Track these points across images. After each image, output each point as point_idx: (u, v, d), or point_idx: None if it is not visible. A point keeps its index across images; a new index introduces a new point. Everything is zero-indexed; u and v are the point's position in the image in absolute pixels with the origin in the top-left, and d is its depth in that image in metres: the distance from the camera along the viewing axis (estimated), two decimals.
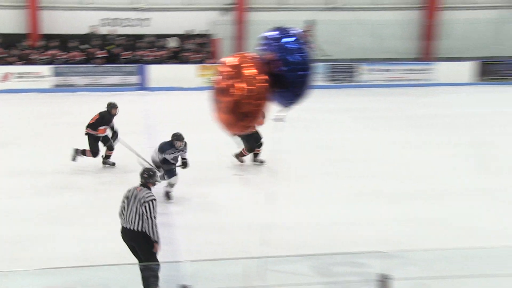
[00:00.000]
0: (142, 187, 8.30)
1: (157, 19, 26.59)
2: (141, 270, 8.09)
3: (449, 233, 11.03)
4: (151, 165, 11.96)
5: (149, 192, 8.18)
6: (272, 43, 7.59)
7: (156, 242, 8.13)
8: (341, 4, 27.56)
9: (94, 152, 14.10)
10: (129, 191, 8.28)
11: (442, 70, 26.78)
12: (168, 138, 11.94)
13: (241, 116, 7.41)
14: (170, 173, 12.06)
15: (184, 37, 26.65)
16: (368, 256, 10.00)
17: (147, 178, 8.33)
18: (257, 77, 7.36)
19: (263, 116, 8.09)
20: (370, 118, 20.36)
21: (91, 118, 14.19)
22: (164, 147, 11.90)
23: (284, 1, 27.37)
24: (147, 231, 8.02)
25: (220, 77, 7.61)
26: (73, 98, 24.02)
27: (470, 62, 27.08)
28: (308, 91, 7.71)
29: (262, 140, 14.09)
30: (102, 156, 14.46)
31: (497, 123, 19.94)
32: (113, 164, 14.53)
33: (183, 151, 12.10)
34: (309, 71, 7.54)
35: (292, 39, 7.55)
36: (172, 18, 26.56)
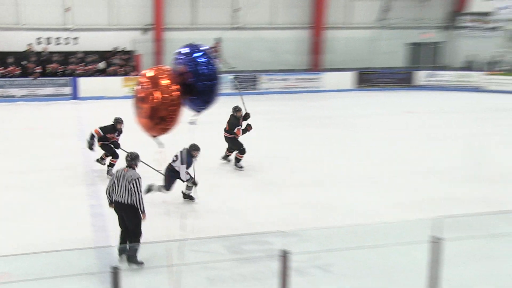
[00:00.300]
0: (128, 168, 8.72)
1: (85, 38, 25.98)
2: (129, 237, 8.63)
3: (335, 214, 11.13)
4: (159, 171, 11.39)
5: (134, 172, 8.64)
6: (184, 58, 7.52)
7: (143, 212, 8.51)
8: (243, 24, 27.54)
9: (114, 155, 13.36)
10: (117, 172, 8.75)
11: (328, 79, 27.19)
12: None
13: (158, 120, 7.35)
14: (188, 176, 11.34)
15: (110, 54, 26.12)
16: (271, 235, 9.97)
17: (130, 161, 8.78)
18: (171, 87, 7.32)
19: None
20: (270, 119, 20.39)
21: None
22: (183, 157, 11.16)
23: (196, 22, 27.18)
24: (135, 203, 8.42)
25: (140, 87, 7.49)
26: (11, 107, 23.22)
27: (350, 72, 27.60)
28: (216, 98, 7.68)
29: (244, 147, 14.04)
30: (107, 164, 13.55)
31: (372, 121, 20.33)
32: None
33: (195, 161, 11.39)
34: (216, 81, 7.53)
35: (201, 54, 7.50)
36: (99, 37, 26.04)
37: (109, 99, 23.99)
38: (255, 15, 27.60)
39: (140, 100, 7.48)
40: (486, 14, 28.83)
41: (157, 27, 26.43)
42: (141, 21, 26.64)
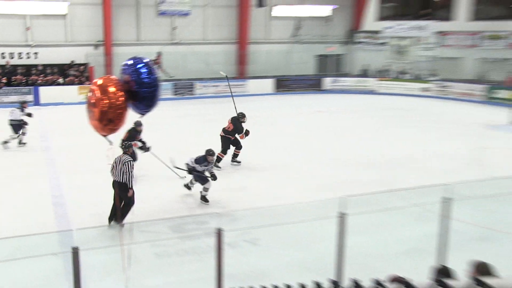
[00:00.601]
0: (123, 154, 9.46)
1: (45, 53, 25.06)
2: (122, 206, 9.15)
3: (260, 197, 11.17)
4: (180, 168, 11.11)
5: (127, 156, 9.36)
6: (129, 69, 7.42)
7: (131, 188, 9.16)
8: (180, 40, 27.25)
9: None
10: (117, 157, 9.32)
11: (252, 85, 27.24)
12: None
13: (107, 122, 7.25)
14: (203, 179, 10.68)
15: (67, 66, 25.35)
16: (208, 216, 9.93)
17: (124, 148, 9.72)
18: (118, 93, 7.23)
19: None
20: (205, 120, 20.31)
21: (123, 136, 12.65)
22: (199, 160, 10.65)
23: (140, 38, 26.70)
24: (126, 181, 9.08)
25: (92, 93, 7.36)
26: None
27: (270, 79, 27.74)
28: (156, 103, 7.62)
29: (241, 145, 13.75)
30: None
31: (289, 119, 20.50)
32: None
33: (212, 165, 10.84)
34: (156, 88, 7.48)
35: (143, 65, 7.43)
36: (57, 52, 25.19)
37: (66, 104, 23.31)
38: (190, 33, 27.39)
39: (92, 105, 7.37)
40: (376, 32, 29.56)
41: (106, 43, 25.82)
42: (93, 38, 25.95)
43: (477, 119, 20.90)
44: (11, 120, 15.30)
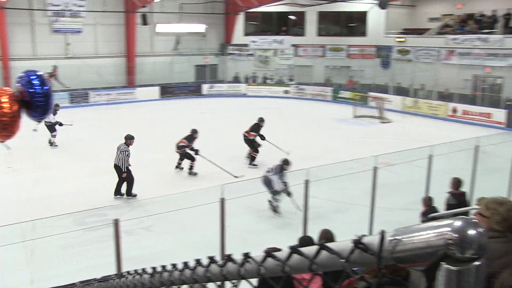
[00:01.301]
0: (123, 144, 10.33)
1: None
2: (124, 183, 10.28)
3: (147, 188, 10.86)
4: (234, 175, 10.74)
5: (125, 146, 10.30)
6: (22, 80, 6.81)
7: (124, 171, 10.23)
8: (73, 54, 25.69)
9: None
10: (119, 145, 10.34)
11: (140, 92, 26.46)
12: None
13: (1, 129, 6.62)
14: (275, 192, 9.57)
15: None
16: (107, 209, 9.53)
17: (127, 140, 10.43)
18: (11, 103, 6.64)
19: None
20: (98, 124, 19.44)
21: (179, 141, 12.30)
22: (277, 169, 9.60)
23: (36, 53, 24.75)
24: (121, 166, 10.20)
25: None
26: None
27: (156, 87, 27.10)
28: (49, 111, 7.09)
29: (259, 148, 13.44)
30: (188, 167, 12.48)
31: (174, 120, 20.21)
32: (196, 173, 12.36)
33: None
34: (48, 97, 6.96)
35: (35, 77, 6.84)
36: None
37: None
38: (83, 48, 25.88)
39: None
40: (244, 45, 30.04)
41: (3, 58, 23.66)
42: None
43: (327, 115, 22.02)
44: (45, 121, 14.59)
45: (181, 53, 29.01)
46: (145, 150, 14.77)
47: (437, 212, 7.35)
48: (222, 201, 6.47)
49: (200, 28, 29.65)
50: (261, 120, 13.83)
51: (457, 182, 7.80)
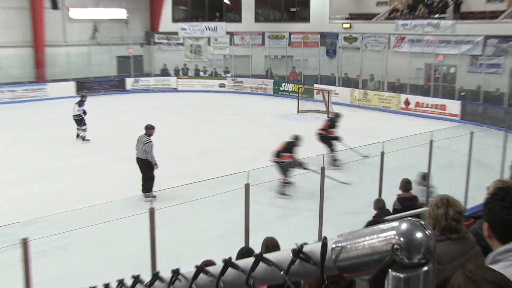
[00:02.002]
0: (144, 135, 11.05)
1: None
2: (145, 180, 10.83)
3: (67, 201, 10.55)
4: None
5: (147, 137, 10.98)
6: None
7: (155, 164, 10.89)
8: None
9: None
10: (139, 136, 11.07)
11: (52, 88, 25.57)
12: None
13: None
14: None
15: None
16: (13, 227, 9.13)
17: (147, 130, 11.19)
18: None
19: None
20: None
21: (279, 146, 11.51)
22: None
23: None
24: (148, 158, 10.82)
25: None
26: None
27: (72, 82, 26.25)
28: None
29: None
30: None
31: (92, 120, 19.69)
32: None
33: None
34: None
35: None
36: None
37: None
38: None
39: None
40: (173, 33, 29.76)
41: None
42: None
43: (268, 110, 22.23)
44: (73, 115, 15.88)
45: (100, 43, 28.31)
46: (60, 155, 14.31)
47: (390, 214, 7.61)
48: (152, 211, 6.37)
49: (121, 13, 29.07)
50: (339, 116, 14.54)
51: (404, 184, 8.08)
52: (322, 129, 13.75)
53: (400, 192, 8.11)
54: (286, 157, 11.21)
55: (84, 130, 15.91)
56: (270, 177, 10.27)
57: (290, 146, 11.52)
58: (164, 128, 18.21)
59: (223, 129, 18.11)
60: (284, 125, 19.23)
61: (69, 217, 9.28)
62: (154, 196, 10.21)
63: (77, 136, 16.22)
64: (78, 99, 16.57)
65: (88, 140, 16.00)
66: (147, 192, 10.38)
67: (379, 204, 7.79)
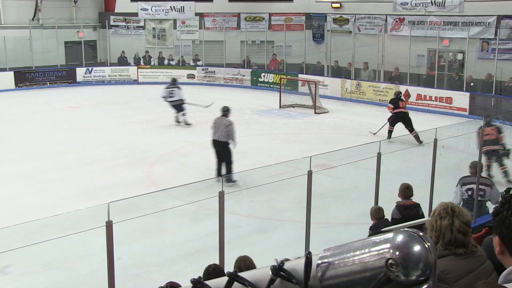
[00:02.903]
0: (222, 117, 12.47)
1: None
2: (224, 164, 12.26)
3: (3, 214, 10.43)
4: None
5: (228, 119, 12.41)
6: None
7: (236, 143, 12.31)
8: None
9: None
10: (216, 119, 12.58)
11: None
12: None
13: None
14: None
15: None
16: None
17: (226, 112, 12.56)
18: None
19: None
20: None
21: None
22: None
23: None
24: (229, 140, 12.20)
25: None
26: None
27: (9, 72, 25.89)
28: None
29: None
30: None
31: (36, 117, 19.50)
32: None
33: None
34: None
35: None
36: None
37: None
38: None
39: None
40: (133, 14, 29.58)
41: None
42: None
43: (245, 105, 22.22)
44: (172, 101, 18.35)
45: (44, 25, 28.01)
46: None
47: (390, 225, 7.67)
48: (110, 224, 6.33)
49: None
50: (399, 93, 17.93)
51: (404, 190, 8.14)
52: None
53: (399, 199, 8.18)
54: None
55: (185, 114, 18.40)
56: (248, 183, 10.29)
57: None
58: (123, 127, 18.18)
59: (192, 128, 18.07)
60: (263, 122, 19.27)
61: (7, 235, 9.17)
62: (235, 181, 11.40)
63: (178, 122, 18.46)
64: (172, 84, 18.79)
65: (190, 124, 18.27)
66: (229, 172, 12.05)
67: (379, 214, 7.83)
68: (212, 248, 7.48)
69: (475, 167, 8.88)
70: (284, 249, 8.32)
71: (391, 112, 16.39)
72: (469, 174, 9.27)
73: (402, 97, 17.78)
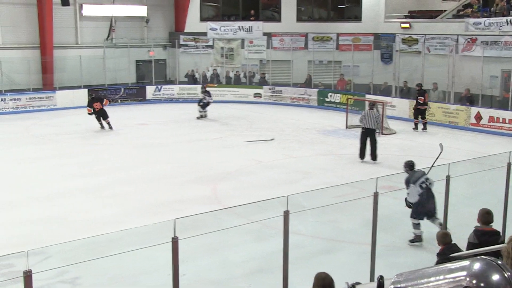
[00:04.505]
0: (370, 110, 16.06)
1: None
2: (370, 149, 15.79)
3: (73, 227, 10.72)
4: None
5: (377, 112, 16.46)
6: None
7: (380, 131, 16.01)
8: None
9: None
10: (365, 112, 16.47)
11: (61, 97, 26.16)
12: None
13: None
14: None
15: None
16: (13, 257, 9.28)
17: (371, 106, 16.56)
18: None
19: None
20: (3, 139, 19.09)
21: None
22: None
23: None
24: (377, 128, 16.14)
25: None
26: None
27: (83, 89, 26.74)
28: None
29: None
30: None
31: (109, 134, 19.99)
32: None
33: None
34: None
35: None
36: None
37: None
38: None
39: None
40: (201, 34, 30.07)
41: None
42: None
43: (312, 125, 22.18)
44: (204, 101, 23.86)
45: (117, 45, 28.88)
46: (67, 174, 14.55)
47: (459, 251, 7.44)
48: (175, 240, 6.40)
49: (141, 11, 29.62)
50: (420, 85, 21.83)
51: (484, 215, 7.87)
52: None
53: (467, 223, 7.93)
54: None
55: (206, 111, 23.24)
56: (313, 203, 10.20)
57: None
58: (190, 144, 18.45)
59: (258, 146, 18.15)
60: (329, 142, 19.15)
61: (78, 247, 9.43)
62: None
63: (200, 117, 23.39)
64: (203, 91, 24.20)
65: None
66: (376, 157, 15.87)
67: (445, 239, 7.61)
68: (276, 268, 7.46)
69: (408, 165, 10.44)
70: (348, 271, 8.19)
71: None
72: (408, 173, 10.34)
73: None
